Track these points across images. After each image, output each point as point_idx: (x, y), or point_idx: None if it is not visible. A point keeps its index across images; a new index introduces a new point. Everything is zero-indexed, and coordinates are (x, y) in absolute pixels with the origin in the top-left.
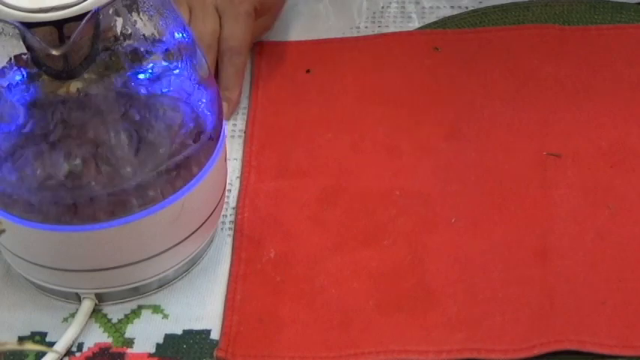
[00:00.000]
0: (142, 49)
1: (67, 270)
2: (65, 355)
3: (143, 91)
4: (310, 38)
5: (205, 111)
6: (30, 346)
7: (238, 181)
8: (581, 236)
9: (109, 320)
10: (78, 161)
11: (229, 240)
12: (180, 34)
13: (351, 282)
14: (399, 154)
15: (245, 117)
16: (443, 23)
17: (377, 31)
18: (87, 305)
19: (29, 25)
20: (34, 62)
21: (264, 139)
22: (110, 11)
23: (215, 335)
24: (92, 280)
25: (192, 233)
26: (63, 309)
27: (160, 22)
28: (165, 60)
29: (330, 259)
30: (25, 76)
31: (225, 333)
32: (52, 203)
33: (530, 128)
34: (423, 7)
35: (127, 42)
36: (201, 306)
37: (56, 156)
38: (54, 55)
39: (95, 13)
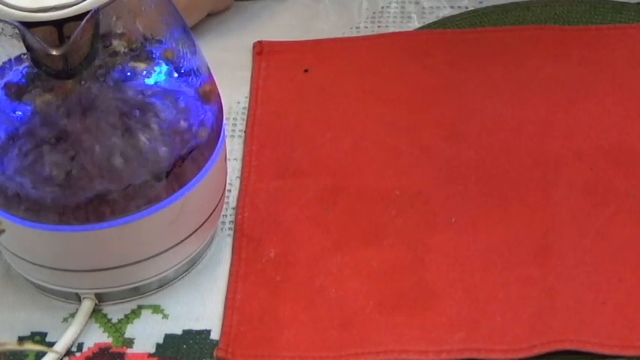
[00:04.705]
0: (141, 49)
1: (67, 270)
2: (65, 355)
3: (143, 91)
4: (310, 38)
5: (205, 111)
6: (30, 346)
7: (238, 181)
8: (581, 236)
9: (109, 320)
10: (77, 162)
11: (229, 240)
12: (180, 34)
13: (351, 282)
14: (399, 154)
15: (245, 117)
16: (443, 23)
17: (377, 31)
18: (87, 305)
19: (29, 25)
20: (33, 62)
21: (264, 139)
22: (110, 11)
23: (215, 335)
24: (92, 280)
25: (192, 233)
26: (63, 309)
27: (160, 22)
28: (165, 60)
29: (330, 259)
30: (25, 76)
31: (225, 333)
32: (52, 203)
33: (530, 128)
34: (423, 7)
35: (127, 42)
36: (201, 306)
37: (56, 156)
38: (54, 55)
39: (95, 13)
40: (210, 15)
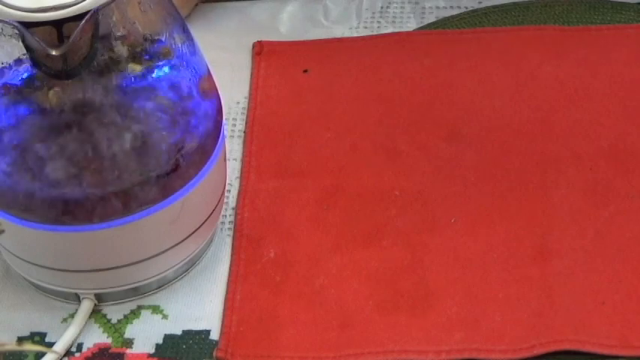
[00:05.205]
0: (141, 49)
1: (67, 270)
2: (65, 355)
3: (142, 90)
4: (310, 38)
5: (205, 111)
6: (29, 347)
7: (238, 181)
8: (581, 236)
9: (109, 321)
10: (77, 162)
11: (229, 240)
12: (180, 34)
13: (351, 282)
14: (398, 154)
15: (245, 117)
16: (442, 23)
17: (376, 31)
18: (86, 305)
19: (28, 25)
20: (33, 62)
21: (263, 139)
22: (109, 11)
23: (214, 335)
24: (92, 280)
25: (192, 233)
26: (62, 309)
27: (160, 22)
28: (164, 60)
29: (330, 259)
30: (24, 77)
31: (225, 333)
32: (52, 203)
33: (530, 128)
34: (423, 8)
35: (126, 42)
36: (200, 306)
37: (55, 157)
38: (53, 56)
39: (95, 13)
40: (205, 14)
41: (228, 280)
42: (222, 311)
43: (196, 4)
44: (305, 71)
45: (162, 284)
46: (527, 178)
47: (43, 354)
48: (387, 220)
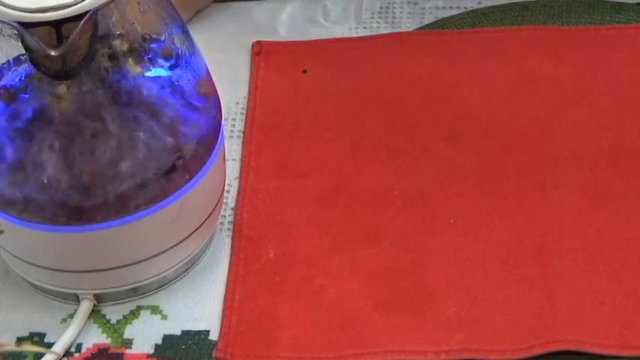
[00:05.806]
0: (140, 49)
1: (66, 271)
2: (64, 355)
3: (142, 91)
4: (309, 38)
5: (204, 111)
6: (28, 347)
7: (237, 181)
8: (581, 236)
9: (108, 321)
10: (77, 162)
11: (228, 240)
12: (180, 34)
13: (350, 282)
14: (398, 154)
15: (244, 117)
16: (442, 24)
17: (375, 31)
18: (85, 306)
19: (27, 25)
20: (32, 63)
21: (263, 139)
22: (109, 11)
23: (214, 336)
24: (91, 280)
25: (191, 234)
26: (61, 310)
27: (159, 22)
28: (163, 60)
29: (330, 260)
30: (23, 78)
31: (224, 333)
32: (51, 204)
33: (530, 128)
34: (422, 8)
35: (126, 42)
36: (200, 306)
37: (55, 157)
38: (52, 56)
39: (94, 14)
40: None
41: (228, 280)
42: (221, 311)
43: (198, 11)
44: (304, 71)
45: (161, 284)
46: (527, 178)
47: (42, 354)
48: (386, 220)
